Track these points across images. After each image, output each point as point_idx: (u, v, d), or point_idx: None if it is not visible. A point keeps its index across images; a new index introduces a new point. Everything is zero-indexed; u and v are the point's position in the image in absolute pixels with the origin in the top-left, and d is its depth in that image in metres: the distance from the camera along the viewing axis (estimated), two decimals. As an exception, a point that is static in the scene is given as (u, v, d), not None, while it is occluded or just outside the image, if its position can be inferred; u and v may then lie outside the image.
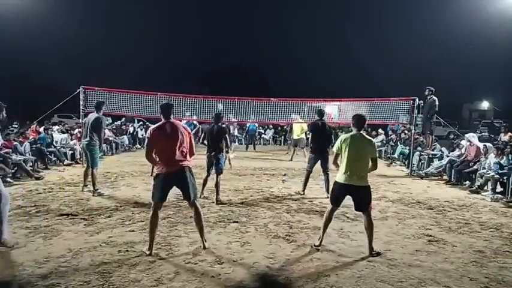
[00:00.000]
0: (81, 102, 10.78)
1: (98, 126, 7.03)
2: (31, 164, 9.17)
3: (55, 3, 36.90)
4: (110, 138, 14.03)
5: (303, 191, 7.45)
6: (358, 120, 4.44)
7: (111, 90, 11.48)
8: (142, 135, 17.38)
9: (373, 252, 4.28)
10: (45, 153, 10.05)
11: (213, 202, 6.45)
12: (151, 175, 7.29)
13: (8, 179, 7.92)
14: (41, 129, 11.59)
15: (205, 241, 4.40)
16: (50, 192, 7.13)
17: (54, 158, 10.68)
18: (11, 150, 8.69)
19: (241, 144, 18.12)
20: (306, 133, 12.52)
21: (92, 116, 7.12)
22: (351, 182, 4.26)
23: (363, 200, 4.32)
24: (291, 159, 12.98)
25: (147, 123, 19.06)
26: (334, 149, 4.51)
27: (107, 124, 15.41)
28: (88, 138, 6.98)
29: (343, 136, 4.48)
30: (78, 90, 10.72)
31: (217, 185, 6.55)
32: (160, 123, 4.29)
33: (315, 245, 4.51)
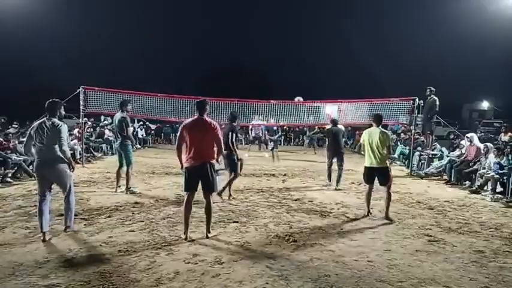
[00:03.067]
0: (81, 102, 10.78)
1: (124, 125, 7.13)
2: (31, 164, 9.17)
3: (55, 3, 36.90)
4: (110, 138, 14.03)
5: (329, 181, 8.27)
6: (376, 118, 6.01)
7: (111, 90, 11.48)
8: (142, 135, 17.40)
9: (389, 218, 5.64)
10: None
11: (213, 202, 6.43)
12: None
13: (8, 179, 7.94)
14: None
15: (209, 232, 4.72)
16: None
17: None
18: (10, 150, 8.68)
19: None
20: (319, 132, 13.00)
21: (117, 116, 7.27)
22: (373, 164, 5.73)
23: (383, 177, 5.72)
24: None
25: (147, 123, 19.09)
26: (361, 140, 6.05)
27: (107, 124, 15.43)
28: (120, 139, 7.14)
29: (366, 131, 5.99)
30: (78, 90, 10.72)
31: (230, 181, 6.82)
32: (192, 118, 4.64)
33: (366, 215, 5.89)
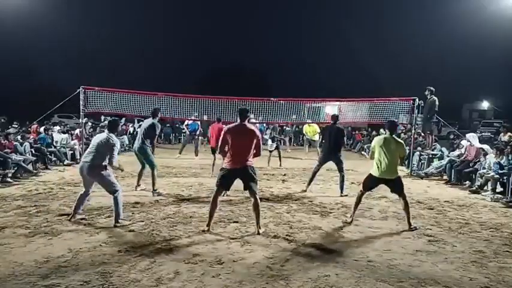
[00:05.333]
0: (81, 102, 10.77)
1: (152, 132, 7.21)
2: (31, 163, 9.17)
3: (55, 3, 36.91)
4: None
5: (306, 188, 7.66)
6: (390, 125, 5.63)
7: (111, 90, 11.48)
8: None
9: (412, 227, 5.21)
10: (45, 154, 10.05)
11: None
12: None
13: (8, 179, 7.94)
14: (41, 129, 11.59)
15: (260, 228, 4.90)
16: (50, 192, 7.13)
17: (54, 158, 10.68)
18: (10, 150, 8.68)
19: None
20: (318, 134, 12.76)
21: (148, 121, 7.31)
22: (384, 175, 5.26)
23: (398, 187, 5.32)
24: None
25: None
26: (371, 147, 5.58)
27: (106, 124, 15.41)
28: (140, 142, 7.14)
29: (378, 138, 5.58)
30: (78, 90, 10.72)
31: None
32: (235, 124, 4.99)
33: (346, 222, 5.48)
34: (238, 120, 4.95)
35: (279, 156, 11.21)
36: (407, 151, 11.48)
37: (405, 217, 5.28)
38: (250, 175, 4.82)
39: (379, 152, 5.25)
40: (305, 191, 7.59)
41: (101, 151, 5.09)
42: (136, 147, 7.28)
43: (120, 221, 5.12)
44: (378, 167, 5.26)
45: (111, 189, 5.12)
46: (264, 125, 15.41)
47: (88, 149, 5.33)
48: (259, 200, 4.95)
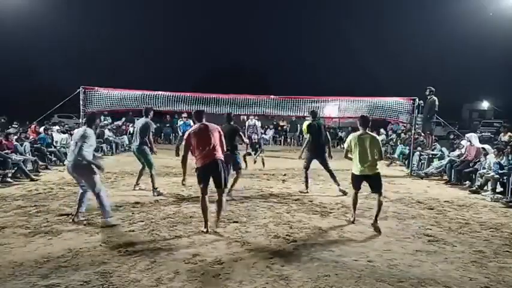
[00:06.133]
0: (81, 102, 10.78)
1: (146, 130, 7.22)
2: (31, 164, 9.17)
3: (55, 3, 36.90)
4: (110, 138, 14.03)
5: (306, 188, 7.58)
6: (364, 120, 5.39)
7: (111, 90, 11.48)
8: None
9: (377, 224, 5.19)
10: (45, 154, 10.05)
11: (213, 202, 6.46)
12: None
13: (8, 179, 7.94)
14: (41, 129, 11.59)
15: (217, 226, 4.99)
16: (50, 192, 7.13)
17: (54, 158, 10.68)
18: (10, 150, 8.68)
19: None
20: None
21: (141, 120, 7.35)
22: (364, 172, 5.22)
23: (376, 184, 5.26)
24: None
25: (147, 123, 19.03)
26: (345, 145, 5.52)
27: (107, 124, 15.43)
28: (137, 143, 7.17)
29: (352, 135, 5.42)
30: (78, 90, 10.73)
31: (235, 180, 6.85)
32: (194, 126, 5.14)
33: (349, 220, 5.54)
34: (197, 123, 5.16)
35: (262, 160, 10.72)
36: (407, 151, 11.58)
37: (375, 213, 5.24)
38: (220, 169, 4.92)
39: (356, 149, 5.23)
40: (307, 192, 7.50)
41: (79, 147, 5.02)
42: (134, 148, 7.30)
43: (108, 219, 5.13)
44: (356, 165, 5.26)
45: (93, 189, 5.10)
46: (259, 126, 15.44)
47: (70, 147, 5.32)
48: (224, 199, 5.07)
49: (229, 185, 6.63)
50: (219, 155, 4.98)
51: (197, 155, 4.97)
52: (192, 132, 5.03)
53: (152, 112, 7.65)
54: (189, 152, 5.00)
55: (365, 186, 5.47)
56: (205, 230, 4.90)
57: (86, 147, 5.00)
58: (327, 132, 7.74)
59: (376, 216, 5.22)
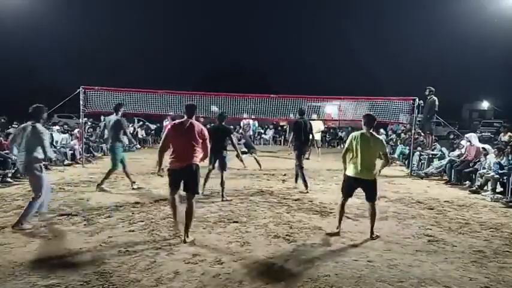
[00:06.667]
0: (81, 102, 10.77)
1: (118, 128, 7.19)
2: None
3: (55, 3, 36.90)
4: (110, 138, 14.01)
5: (306, 188, 7.58)
6: (368, 119, 4.89)
7: (111, 89, 11.48)
8: (142, 135, 17.39)
9: (373, 236, 4.83)
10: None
11: (213, 202, 6.47)
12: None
13: (8, 179, 7.94)
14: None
15: (187, 236, 4.54)
16: (50, 192, 7.11)
17: (54, 158, 10.66)
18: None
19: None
20: (321, 132, 12.67)
21: (112, 118, 7.32)
22: (361, 175, 4.76)
23: (371, 192, 4.84)
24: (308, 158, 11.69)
25: (147, 123, 19.08)
26: (346, 144, 4.99)
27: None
28: (111, 141, 7.19)
29: (354, 134, 4.92)
30: (78, 90, 10.72)
31: (222, 182, 6.69)
32: (181, 120, 4.68)
33: (333, 232, 4.98)
34: (185, 117, 4.70)
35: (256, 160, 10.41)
36: (407, 151, 11.58)
37: (370, 225, 4.89)
38: (194, 175, 4.55)
39: (356, 149, 4.76)
40: (307, 192, 7.48)
41: (30, 146, 4.78)
42: (109, 146, 7.33)
43: (23, 223, 4.84)
44: (353, 166, 4.78)
45: (35, 193, 4.90)
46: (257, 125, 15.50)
47: (20, 148, 4.91)
48: (194, 207, 4.61)
49: (221, 189, 6.67)
50: (197, 159, 4.58)
51: (172, 154, 4.59)
52: (177, 124, 4.62)
53: (122, 109, 7.56)
54: (169, 144, 4.63)
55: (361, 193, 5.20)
56: (177, 231, 4.71)
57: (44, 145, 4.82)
58: (312, 133, 7.89)
59: (372, 228, 4.87)
